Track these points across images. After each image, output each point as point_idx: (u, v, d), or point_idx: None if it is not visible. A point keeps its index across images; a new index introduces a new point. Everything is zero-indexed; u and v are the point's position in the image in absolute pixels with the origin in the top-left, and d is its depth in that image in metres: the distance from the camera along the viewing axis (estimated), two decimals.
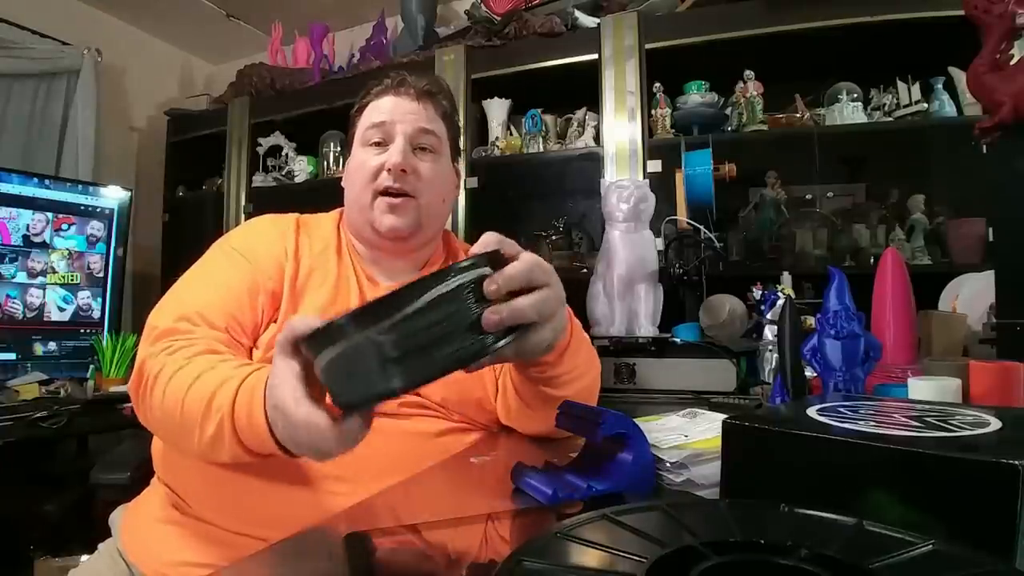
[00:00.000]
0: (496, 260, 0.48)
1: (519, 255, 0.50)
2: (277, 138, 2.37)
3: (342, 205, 0.95)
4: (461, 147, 0.98)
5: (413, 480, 0.63)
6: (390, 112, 0.86)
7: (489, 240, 0.50)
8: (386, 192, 0.83)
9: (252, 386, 0.56)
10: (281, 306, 0.78)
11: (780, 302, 1.09)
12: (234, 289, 0.76)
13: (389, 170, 0.83)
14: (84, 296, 2.11)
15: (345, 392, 0.45)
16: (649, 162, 1.73)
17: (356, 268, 0.86)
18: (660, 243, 1.41)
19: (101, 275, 2.16)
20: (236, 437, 0.57)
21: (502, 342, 0.45)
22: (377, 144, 0.86)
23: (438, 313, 0.42)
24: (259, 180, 2.36)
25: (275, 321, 0.77)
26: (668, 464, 0.54)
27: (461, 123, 0.98)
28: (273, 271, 0.79)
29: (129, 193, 2.25)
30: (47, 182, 2.06)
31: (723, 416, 0.46)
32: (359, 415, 0.47)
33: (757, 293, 1.23)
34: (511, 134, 2.02)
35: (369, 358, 0.41)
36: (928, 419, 0.43)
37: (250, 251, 0.81)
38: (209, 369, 0.62)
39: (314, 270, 0.82)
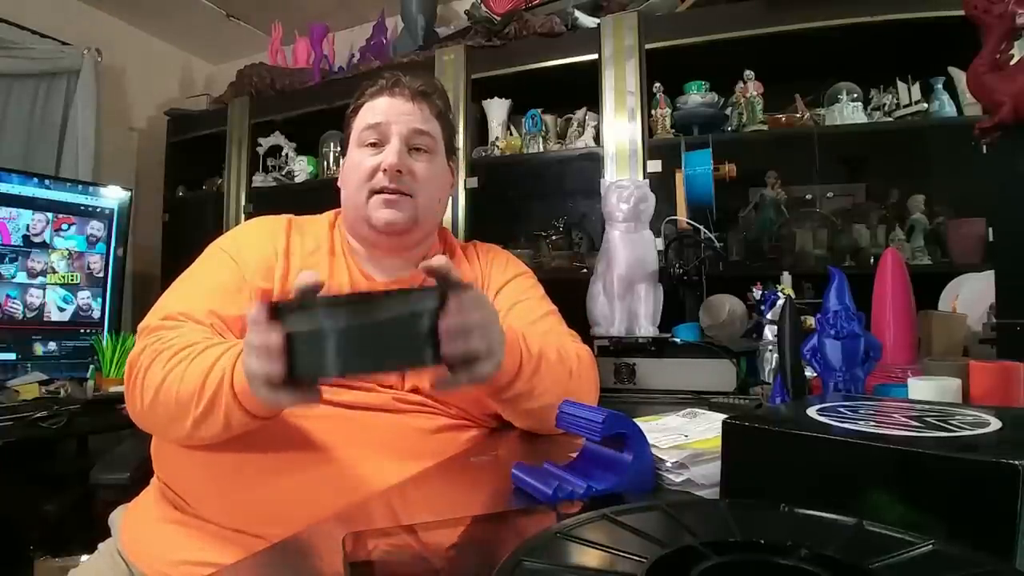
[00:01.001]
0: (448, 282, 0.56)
1: (469, 287, 0.56)
2: (277, 138, 2.37)
3: (340, 205, 0.95)
4: (457, 145, 0.99)
5: (412, 480, 0.63)
6: (385, 113, 0.87)
7: (442, 262, 0.57)
8: (382, 191, 0.84)
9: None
10: None
11: (780, 302, 1.09)
12: (218, 287, 0.78)
13: (385, 171, 0.84)
14: (84, 296, 2.11)
15: (297, 364, 0.51)
16: (649, 162, 1.72)
17: (351, 267, 0.87)
18: (660, 243, 1.40)
19: (101, 275, 2.16)
20: (233, 392, 0.61)
21: (437, 362, 0.53)
22: (373, 145, 0.87)
23: (392, 325, 0.50)
24: (259, 180, 2.36)
25: None
26: (668, 464, 0.54)
27: (459, 121, 0.99)
28: (262, 270, 0.80)
29: (129, 193, 2.25)
30: (47, 182, 2.06)
31: (723, 416, 0.46)
32: (301, 388, 0.53)
33: (757, 293, 1.22)
34: (511, 134, 2.02)
35: (324, 341, 0.49)
36: (928, 419, 0.43)
37: (237, 251, 0.83)
38: (213, 345, 0.66)
39: (306, 269, 0.83)
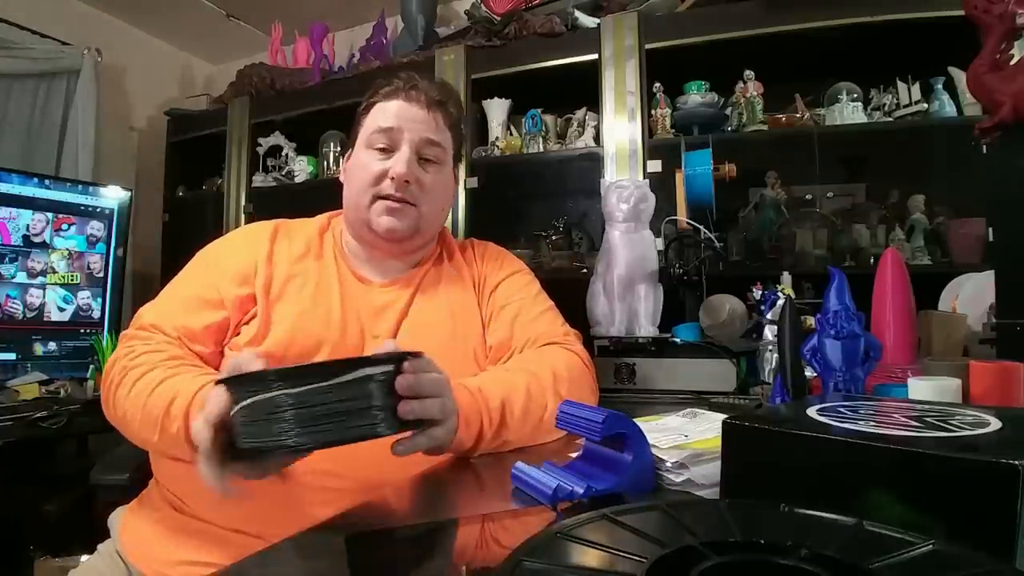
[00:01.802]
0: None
1: (419, 354, 0.57)
2: (277, 138, 2.37)
3: (342, 205, 0.95)
4: (464, 152, 0.99)
5: (413, 480, 0.63)
6: (397, 118, 0.86)
7: (390, 348, 0.58)
8: (387, 198, 0.84)
9: (204, 397, 0.60)
10: (257, 311, 0.79)
11: (780, 302, 1.09)
12: (191, 298, 0.80)
13: (393, 178, 0.83)
14: (84, 296, 2.11)
15: (248, 436, 0.50)
16: (649, 162, 1.72)
17: (341, 271, 0.87)
18: (660, 243, 1.40)
19: (101, 275, 2.16)
20: (190, 442, 0.60)
21: (392, 430, 0.53)
22: (382, 149, 0.86)
23: (348, 392, 0.49)
24: (259, 180, 2.36)
25: (247, 324, 0.79)
26: (668, 464, 0.54)
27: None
28: (240, 280, 0.81)
29: (129, 193, 2.25)
30: (47, 182, 2.05)
31: (723, 416, 0.46)
32: (250, 463, 0.52)
33: (757, 293, 1.22)
34: (511, 134, 2.02)
35: (277, 413, 0.48)
36: (928, 419, 0.43)
37: (216, 261, 0.84)
38: (170, 376, 0.67)
39: (293, 276, 0.83)
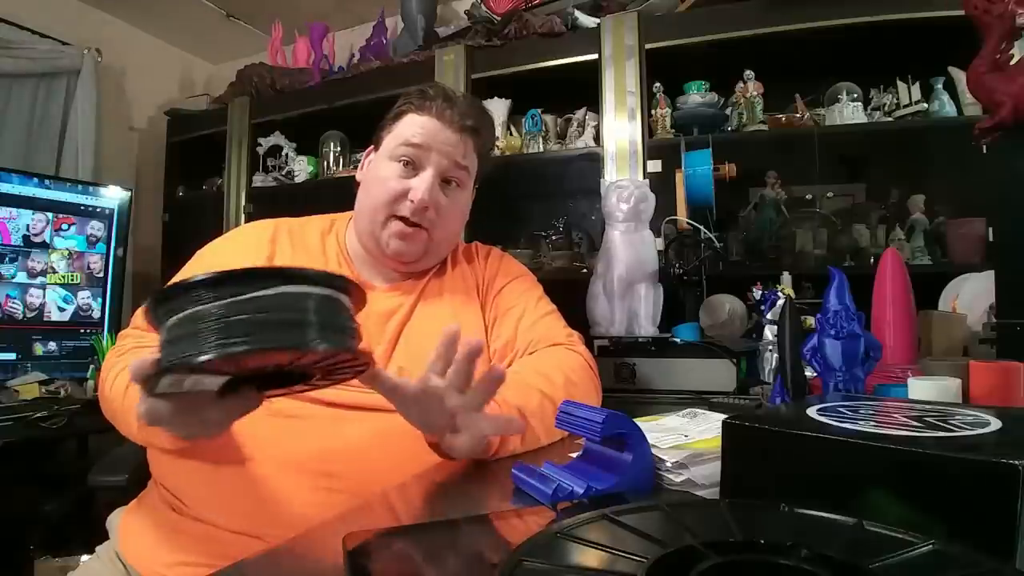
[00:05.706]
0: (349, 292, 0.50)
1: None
2: (277, 138, 2.37)
3: (343, 205, 0.94)
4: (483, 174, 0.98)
5: (413, 480, 0.63)
6: (428, 136, 0.84)
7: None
8: (403, 219, 0.84)
9: None
10: None
11: (780, 302, 1.09)
12: None
13: (412, 201, 0.83)
14: (84, 296, 2.11)
15: (168, 355, 0.44)
16: (649, 162, 1.72)
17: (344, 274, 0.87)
18: (660, 243, 1.41)
19: (101, 275, 2.16)
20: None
21: (323, 346, 0.45)
22: (406, 164, 0.85)
23: (278, 302, 0.44)
24: (259, 180, 2.37)
25: None
26: (668, 464, 0.54)
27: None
28: None
29: (129, 193, 2.25)
30: (47, 182, 2.06)
31: (723, 416, 0.46)
32: (179, 404, 0.49)
33: (757, 293, 1.23)
34: (511, 134, 2.02)
35: (202, 324, 0.42)
36: (928, 419, 0.43)
37: (216, 263, 0.83)
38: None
39: None
